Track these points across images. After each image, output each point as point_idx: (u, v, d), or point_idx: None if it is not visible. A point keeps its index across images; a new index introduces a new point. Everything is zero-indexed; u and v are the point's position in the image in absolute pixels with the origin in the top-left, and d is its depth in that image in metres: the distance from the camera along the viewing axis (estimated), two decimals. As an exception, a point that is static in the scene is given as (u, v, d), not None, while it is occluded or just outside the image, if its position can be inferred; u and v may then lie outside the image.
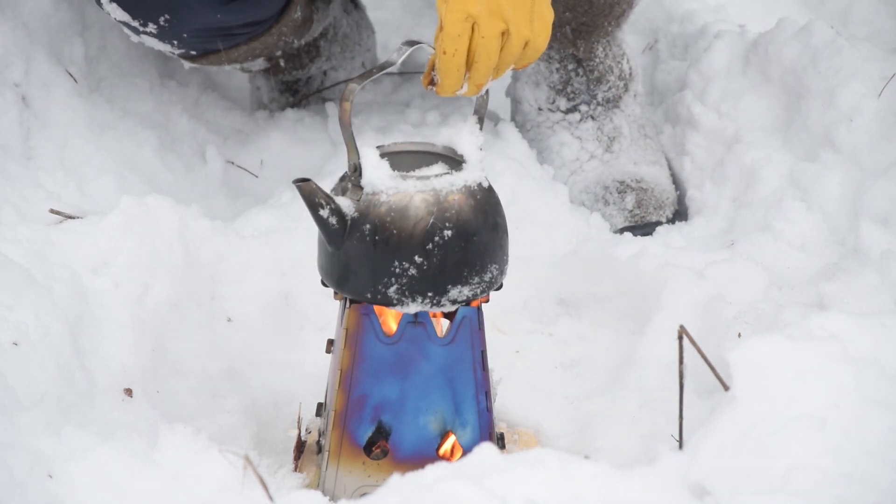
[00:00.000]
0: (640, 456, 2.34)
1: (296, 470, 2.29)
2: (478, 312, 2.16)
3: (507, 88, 3.10)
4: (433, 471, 1.75)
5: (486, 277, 2.11)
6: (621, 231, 2.90)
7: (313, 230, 2.13)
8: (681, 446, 2.04)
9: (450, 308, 2.11)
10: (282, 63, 3.05)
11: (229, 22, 2.72)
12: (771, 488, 1.68)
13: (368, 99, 3.20)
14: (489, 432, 2.20)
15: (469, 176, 2.12)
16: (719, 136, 2.93)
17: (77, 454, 2.04)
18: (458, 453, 2.19)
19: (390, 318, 2.16)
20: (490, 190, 2.14)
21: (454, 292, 2.10)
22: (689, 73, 3.03)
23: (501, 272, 2.15)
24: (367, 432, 2.17)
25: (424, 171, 2.14)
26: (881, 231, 2.58)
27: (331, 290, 2.18)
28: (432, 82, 2.16)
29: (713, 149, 2.95)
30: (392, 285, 2.08)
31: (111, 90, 2.96)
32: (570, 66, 2.97)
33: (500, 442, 2.28)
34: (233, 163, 3.04)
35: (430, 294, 2.09)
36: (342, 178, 2.14)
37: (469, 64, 2.14)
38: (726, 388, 1.87)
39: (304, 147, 3.06)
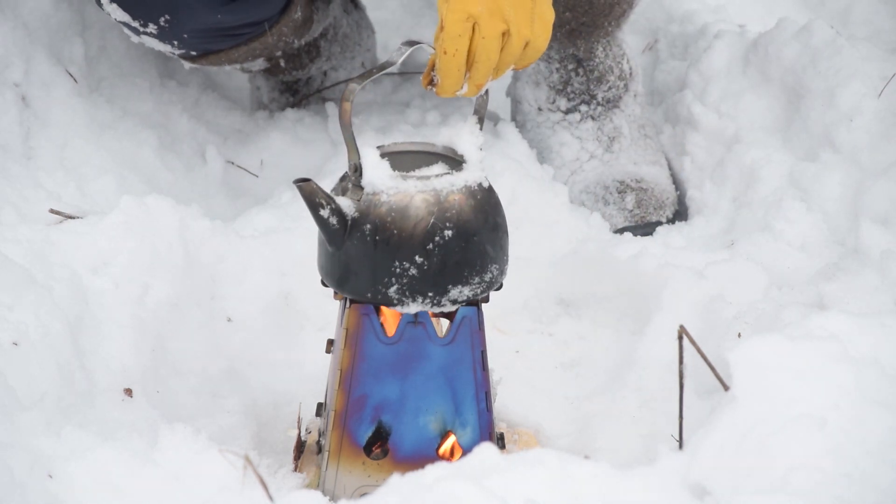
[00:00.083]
0: (640, 456, 2.34)
1: (296, 470, 2.29)
2: (478, 312, 2.16)
3: (507, 88, 3.10)
4: (433, 471, 1.75)
5: (487, 277, 2.11)
6: (621, 231, 2.90)
7: (313, 230, 2.13)
8: (681, 446, 2.04)
9: (450, 308, 2.11)
10: (282, 63, 3.05)
11: (230, 22, 2.72)
12: (771, 488, 1.68)
13: (368, 99, 3.20)
14: (489, 432, 2.20)
15: (469, 176, 2.12)
16: (719, 136, 2.93)
17: (77, 454, 2.04)
18: (458, 453, 2.19)
19: (391, 319, 2.16)
20: (490, 190, 2.14)
21: (454, 292, 2.10)
22: (689, 73, 3.03)
23: (501, 272, 2.15)
24: (367, 432, 2.17)
25: (425, 171, 2.14)
26: (881, 231, 2.58)
27: (331, 290, 2.18)
28: (432, 82, 2.17)
29: (713, 149, 2.95)
30: (392, 285, 2.08)
31: (111, 90, 2.96)
32: (571, 66, 2.97)
33: (500, 442, 2.28)
34: (233, 163, 3.04)
35: (430, 294, 2.09)
36: (342, 178, 2.14)
37: (469, 64, 2.14)
38: (726, 388, 1.87)
39: (304, 147, 3.06)
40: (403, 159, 2.17)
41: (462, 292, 2.10)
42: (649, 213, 2.91)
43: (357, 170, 2.09)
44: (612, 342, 2.63)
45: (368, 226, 2.07)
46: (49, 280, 2.28)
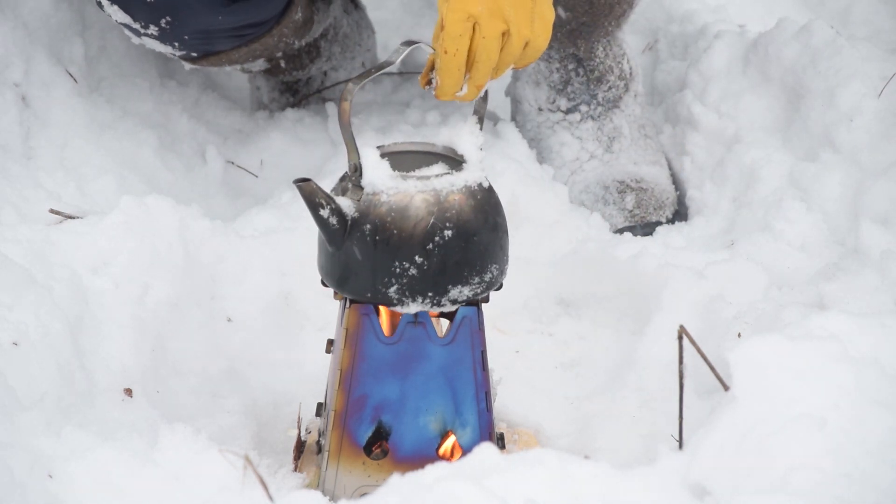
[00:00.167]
0: (640, 456, 2.34)
1: (296, 470, 2.29)
2: (478, 312, 2.16)
3: (507, 88, 3.10)
4: (433, 471, 1.75)
5: (487, 277, 2.12)
6: (621, 231, 2.90)
7: (313, 230, 2.13)
8: (681, 446, 2.04)
9: (450, 308, 2.11)
10: (282, 63, 3.05)
11: (230, 24, 2.72)
12: (771, 488, 1.68)
13: (368, 99, 3.20)
14: (489, 432, 2.20)
15: (469, 176, 2.12)
16: (719, 136, 2.93)
17: (77, 454, 2.04)
18: (458, 453, 2.19)
19: (390, 318, 2.16)
20: (490, 190, 2.14)
21: (454, 292, 2.10)
22: (689, 73, 3.03)
23: (501, 272, 2.15)
24: (367, 432, 2.17)
25: (425, 172, 2.14)
26: (881, 231, 2.58)
27: (331, 290, 2.18)
28: (430, 83, 2.17)
29: (713, 149, 2.95)
30: (392, 285, 2.08)
31: (111, 90, 2.96)
32: (571, 66, 2.97)
33: (500, 442, 2.28)
34: (233, 163, 3.04)
35: (430, 294, 2.09)
36: (342, 179, 2.14)
37: (469, 64, 2.14)
38: (726, 388, 1.87)
39: (304, 147, 3.06)
40: (403, 159, 2.17)
41: (462, 292, 2.10)
42: (649, 213, 2.91)
43: (357, 170, 2.09)
44: (612, 342, 2.63)
45: (368, 226, 2.07)
46: (49, 280, 2.28)
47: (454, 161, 2.16)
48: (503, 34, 2.14)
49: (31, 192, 2.58)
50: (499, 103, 3.15)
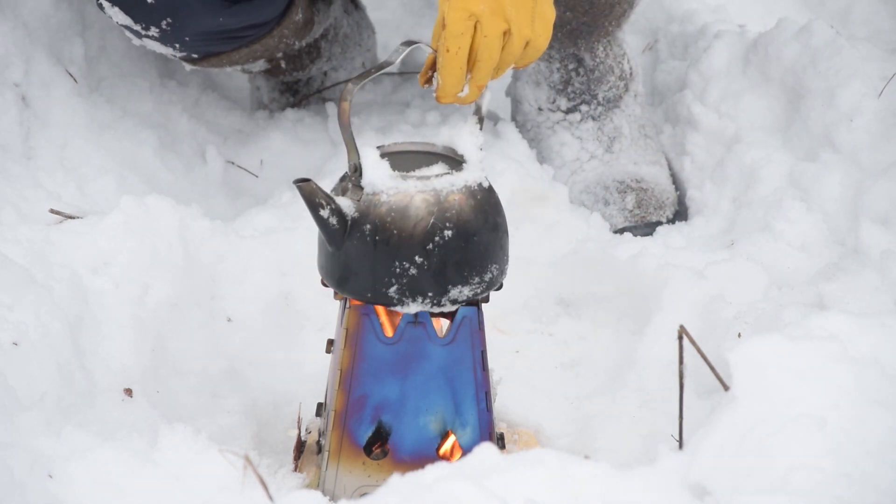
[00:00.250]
0: (640, 456, 2.34)
1: (296, 470, 2.29)
2: (478, 312, 2.16)
3: (508, 88, 3.10)
4: (433, 471, 1.75)
5: (487, 277, 2.11)
6: (621, 231, 2.90)
7: (313, 230, 2.13)
8: (681, 446, 2.04)
9: (450, 308, 2.11)
10: (282, 64, 3.05)
11: (231, 25, 2.72)
12: (771, 488, 1.68)
13: (368, 99, 3.20)
14: (489, 432, 2.19)
15: (469, 176, 2.12)
16: (719, 136, 2.93)
17: (77, 454, 2.04)
18: (458, 453, 2.19)
19: (390, 319, 2.16)
20: (490, 190, 2.14)
21: (454, 292, 2.10)
22: (689, 73, 3.03)
23: (501, 272, 2.15)
24: (367, 432, 2.17)
25: (425, 172, 2.14)
26: (881, 231, 2.58)
27: (331, 290, 2.18)
28: (429, 80, 2.16)
29: (713, 149, 2.95)
30: (392, 285, 2.08)
31: (111, 90, 2.96)
32: (571, 66, 2.97)
33: (500, 442, 2.28)
34: (233, 163, 3.04)
35: (430, 294, 2.09)
36: (342, 179, 2.14)
37: (471, 63, 2.14)
38: (726, 388, 1.87)
39: (304, 147, 3.06)
40: (403, 159, 2.17)
41: (462, 292, 2.10)
42: (649, 213, 2.91)
43: (357, 170, 2.09)
44: (612, 342, 2.63)
45: (368, 226, 2.07)
46: (49, 280, 2.28)
47: (454, 161, 2.16)
48: (504, 33, 2.14)
49: (31, 192, 2.58)
50: (499, 103, 3.15)
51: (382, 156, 2.12)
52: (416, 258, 2.07)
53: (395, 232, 2.06)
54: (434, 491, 1.68)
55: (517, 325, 2.66)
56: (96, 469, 2.04)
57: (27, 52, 2.78)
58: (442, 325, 2.19)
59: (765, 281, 2.55)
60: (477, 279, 2.10)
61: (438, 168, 2.15)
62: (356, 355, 2.15)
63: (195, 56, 2.78)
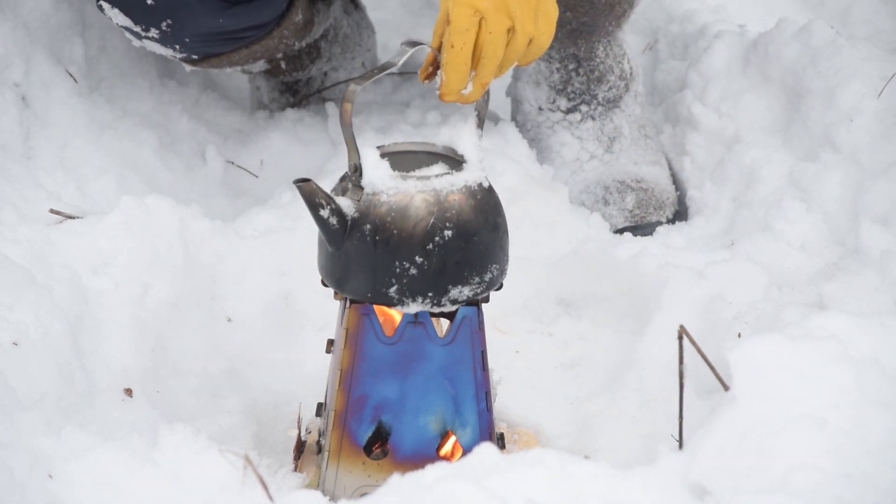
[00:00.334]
0: (640, 456, 2.34)
1: (296, 470, 2.29)
2: (478, 312, 2.16)
3: (508, 88, 3.10)
4: (433, 471, 1.75)
5: (487, 277, 2.11)
6: (621, 231, 2.90)
7: (313, 230, 2.13)
8: (681, 446, 2.04)
9: (450, 308, 2.11)
10: (282, 64, 3.05)
11: (231, 26, 2.72)
12: (771, 488, 1.68)
13: (368, 99, 3.20)
14: (489, 432, 2.19)
15: (469, 176, 2.12)
16: (719, 136, 2.93)
17: (77, 454, 2.04)
18: (458, 453, 2.18)
19: (390, 318, 2.16)
20: (490, 190, 2.14)
21: (454, 292, 2.10)
22: (689, 73, 3.03)
23: (502, 272, 2.15)
24: (367, 432, 2.17)
25: (425, 172, 2.14)
26: (881, 231, 2.58)
27: (331, 290, 2.18)
28: (430, 77, 2.16)
29: (713, 149, 2.95)
30: (392, 285, 2.08)
31: (111, 90, 2.96)
32: (571, 66, 2.97)
33: (500, 442, 2.28)
34: (233, 163, 3.04)
35: (430, 294, 2.09)
36: (342, 179, 2.14)
37: (475, 60, 2.13)
38: (726, 388, 1.87)
39: (304, 147, 3.06)
40: (403, 159, 2.17)
41: (462, 292, 2.10)
42: (649, 213, 2.91)
43: (357, 170, 2.09)
44: (612, 342, 2.63)
45: (368, 226, 2.07)
46: (49, 280, 2.28)
47: (454, 161, 2.16)
48: (508, 30, 2.13)
49: (31, 192, 2.58)
50: (499, 103, 3.15)
51: (382, 156, 2.12)
52: (416, 258, 2.07)
53: (395, 232, 2.07)
54: (434, 491, 1.68)
55: (517, 325, 2.66)
56: (96, 469, 2.04)
57: (27, 52, 2.78)
58: (442, 325, 2.19)
59: (765, 281, 2.55)
60: (477, 279, 2.10)
61: (438, 168, 2.15)
62: (356, 355, 2.15)
63: (195, 57, 2.78)
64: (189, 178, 2.96)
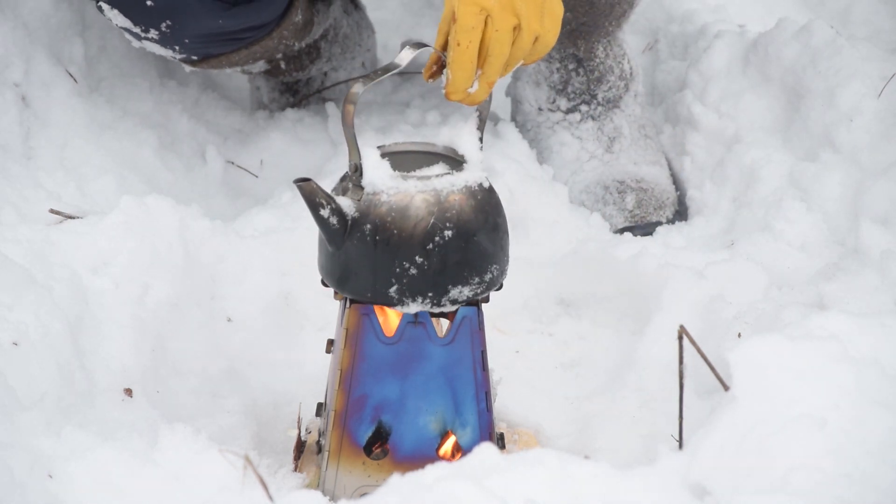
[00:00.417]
0: (640, 456, 2.34)
1: (296, 470, 2.29)
2: (478, 312, 2.16)
3: (508, 88, 3.10)
4: (433, 471, 1.74)
5: (487, 278, 2.11)
6: (621, 231, 2.90)
7: (313, 230, 2.13)
8: (681, 446, 2.04)
9: (450, 308, 2.11)
10: (282, 65, 3.05)
11: (231, 27, 2.72)
12: (771, 488, 1.68)
13: (368, 99, 3.20)
14: (489, 432, 2.19)
15: (470, 176, 2.12)
16: (719, 136, 2.93)
17: (77, 454, 2.04)
18: (458, 453, 2.18)
19: (390, 318, 2.16)
20: (491, 190, 2.14)
21: (454, 292, 2.10)
22: (689, 73, 3.03)
23: (502, 272, 2.15)
24: (367, 432, 2.17)
25: (425, 172, 2.14)
26: (881, 231, 2.58)
27: (331, 290, 2.18)
28: (434, 76, 2.16)
29: (713, 149, 2.95)
30: (392, 285, 2.08)
31: (111, 90, 2.96)
32: (571, 66, 2.97)
33: (500, 442, 2.28)
34: (233, 163, 3.04)
35: (430, 294, 2.09)
36: (343, 178, 2.14)
37: (482, 58, 2.13)
38: (726, 388, 1.87)
39: (304, 147, 3.06)
40: (404, 159, 2.17)
41: (462, 292, 2.10)
42: (649, 213, 2.91)
43: (357, 170, 2.09)
44: (612, 342, 2.63)
45: (368, 226, 2.07)
46: (49, 280, 2.28)
47: (454, 161, 2.16)
48: (514, 28, 2.13)
49: (31, 192, 2.58)
50: (499, 103, 3.15)
51: (383, 156, 2.12)
52: (417, 258, 2.07)
53: (395, 232, 2.07)
54: (434, 491, 1.68)
55: (517, 325, 2.66)
56: (96, 469, 2.04)
57: (27, 52, 2.78)
58: (442, 325, 2.19)
59: (765, 281, 2.55)
60: (477, 279, 2.10)
61: (439, 168, 2.15)
62: (356, 355, 2.15)
63: (195, 58, 2.78)
64: (189, 178, 2.96)
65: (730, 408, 1.75)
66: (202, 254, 2.54)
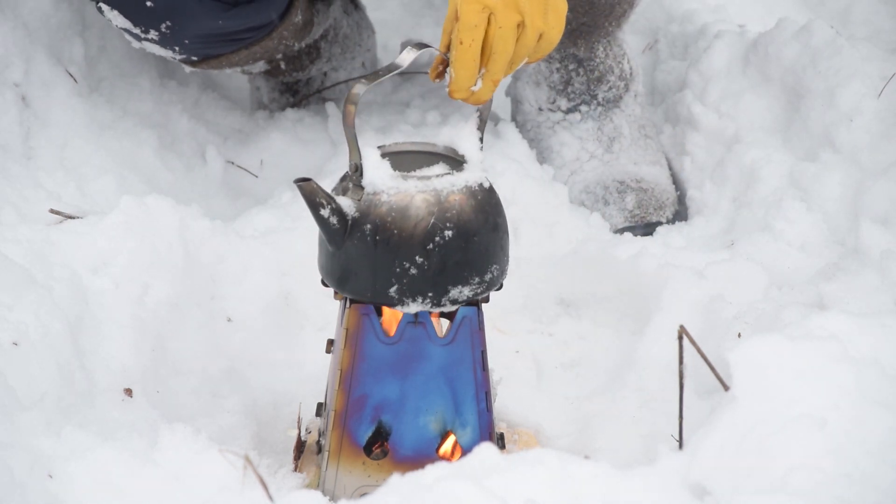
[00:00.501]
0: (640, 456, 2.34)
1: (296, 470, 2.29)
2: (478, 312, 2.16)
3: (508, 88, 3.10)
4: (433, 471, 1.75)
5: (487, 278, 2.11)
6: (621, 231, 2.90)
7: (313, 230, 2.13)
8: (681, 446, 2.04)
9: (450, 308, 2.11)
10: (282, 65, 3.05)
11: (231, 27, 2.72)
12: (771, 488, 1.68)
13: (368, 99, 3.20)
14: (489, 432, 2.19)
15: (470, 176, 2.12)
16: (719, 136, 2.93)
17: (77, 454, 2.04)
18: (458, 453, 2.18)
19: (390, 318, 2.16)
20: (491, 190, 2.14)
21: (454, 292, 2.10)
22: (689, 73, 3.03)
23: (502, 272, 2.15)
24: (367, 432, 2.17)
25: (425, 172, 2.14)
26: (881, 231, 2.58)
27: (331, 290, 2.18)
28: (440, 75, 2.15)
29: (713, 149, 2.95)
30: (392, 285, 2.08)
31: (111, 90, 2.96)
32: (571, 66, 2.97)
33: (500, 442, 2.28)
34: (233, 163, 3.04)
35: (430, 294, 2.09)
36: (343, 178, 2.14)
37: (485, 56, 2.12)
38: (726, 388, 1.87)
39: (304, 147, 3.06)
40: (404, 159, 2.17)
41: (462, 292, 2.10)
42: (649, 213, 2.91)
43: (358, 170, 2.09)
44: (612, 342, 2.63)
45: (369, 226, 2.07)
46: (49, 280, 2.28)
47: (455, 161, 2.16)
48: (518, 25, 2.12)
49: (31, 192, 2.58)
50: (499, 103, 3.15)
51: (383, 156, 2.12)
52: (417, 258, 2.07)
53: (395, 232, 2.07)
54: (434, 491, 1.68)
55: (517, 325, 2.66)
56: (96, 469, 2.04)
57: (27, 52, 2.78)
58: (442, 325, 2.19)
59: (765, 281, 2.56)
60: (477, 279, 2.10)
61: (439, 168, 2.15)
62: (356, 355, 2.15)
63: (195, 58, 2.78)
64: (189, 178, 2.96)
65: (730, 408, 1.75)
66: (202, 254, 2.54)
